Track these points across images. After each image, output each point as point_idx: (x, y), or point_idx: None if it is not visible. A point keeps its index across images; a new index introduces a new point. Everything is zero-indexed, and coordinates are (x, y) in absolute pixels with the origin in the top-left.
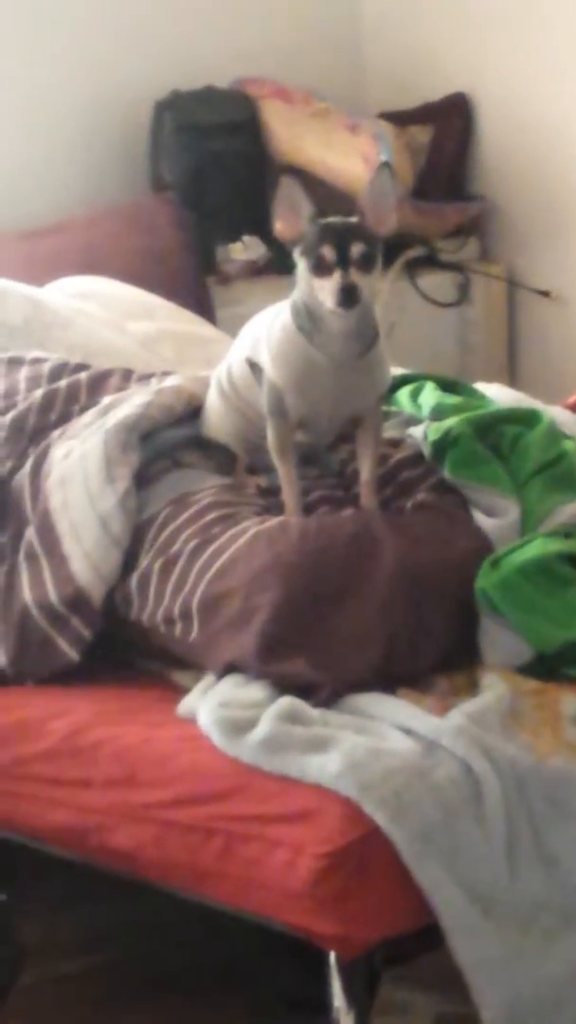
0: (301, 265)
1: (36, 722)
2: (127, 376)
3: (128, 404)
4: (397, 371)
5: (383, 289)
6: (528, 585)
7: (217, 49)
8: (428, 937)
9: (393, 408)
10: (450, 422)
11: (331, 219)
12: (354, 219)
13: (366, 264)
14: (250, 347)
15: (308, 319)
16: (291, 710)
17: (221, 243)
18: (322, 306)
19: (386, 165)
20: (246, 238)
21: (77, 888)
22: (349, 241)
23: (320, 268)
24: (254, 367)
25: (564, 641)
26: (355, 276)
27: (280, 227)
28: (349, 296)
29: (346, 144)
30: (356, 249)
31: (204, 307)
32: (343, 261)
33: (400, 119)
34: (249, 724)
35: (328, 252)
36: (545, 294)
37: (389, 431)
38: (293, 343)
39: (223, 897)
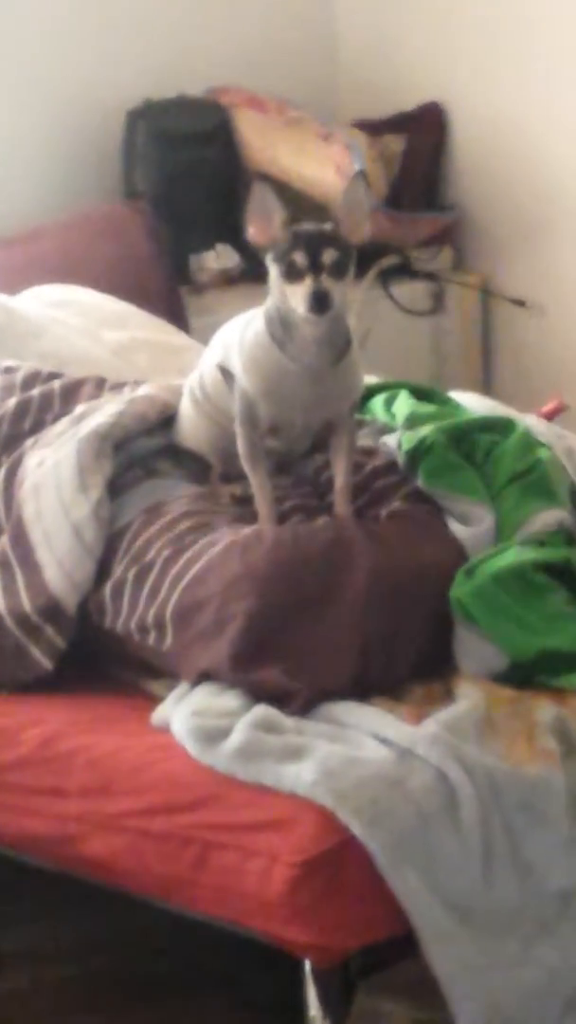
0: (273, 271)
1: (10, 731)
2: (100, 385)
3: (101, 413)
4: (371, 379)
5: (357, 298)
6: (503, 593)
7: (190, 57)
8: (404, 945)
9: (367, 417)
10: (424, 431)
11: (304, 225)
12: (327, 226)
13: (338, 271)
14: (222, 354)
15: (281, 326)
16: (265, 719)
17: (194, 252)
18: (294, 312)
19: (360, 174)
20: (219, 247)
21: (56, 897)
22: (321, 247)
23: (292, 274)
24: (226, 374)
25: (539, 649)
26: (327, 282)
27: (253, 232)
28: (320, 302)
29: (319, 153)
30: (328, 255)
31: (177, 316)
32: (315, 267)
33: (374, 128)
34: (223, 733)
35: (300, 258)
36: (520, 303)
37: (363, 440)
38: (265, 350)
39: (199, 906)
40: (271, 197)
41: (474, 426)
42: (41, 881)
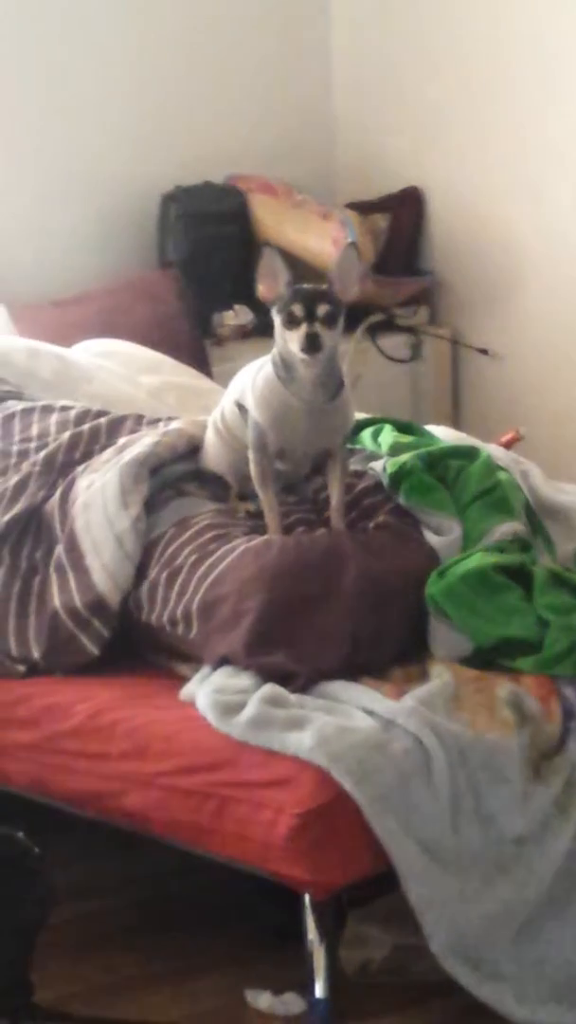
0: (277, 321)
1: (64, 706)
2: (139, 421)
3: (140, 444)
4: (361, 415)
5: (349, 348)
6: (469, 591)
7: (213, 151)
8: (386, 881)
9: (358, 446)
10: (404, 457)
11: (303, 285)
12: (323, 286)
13: (330, 321)
14: (239, 393)
15: (284, 368)
16: (273, 695)
17: (216, 311)
18: (293, 355)
19: (352, 244)
20: (237, 307)
21: (87, 842)
22: (316, 301)
23: (291, 322)
24: (242, 409)
25: (498, 637)
26: (319, 328)
27: (262, 290)
28: (312, 343)
29: (319, 229)
30: (322, 308)
31: (202, 364)
32: (310, 316)
33: (364, 208)
34: (238, 707)
35: (297, 308)
36: (484, 352)
37: (354, 465)
38: (273, 389)
39: (217, 849)
40: (278, 260)
41: (446, 453)
42: (85, 827)
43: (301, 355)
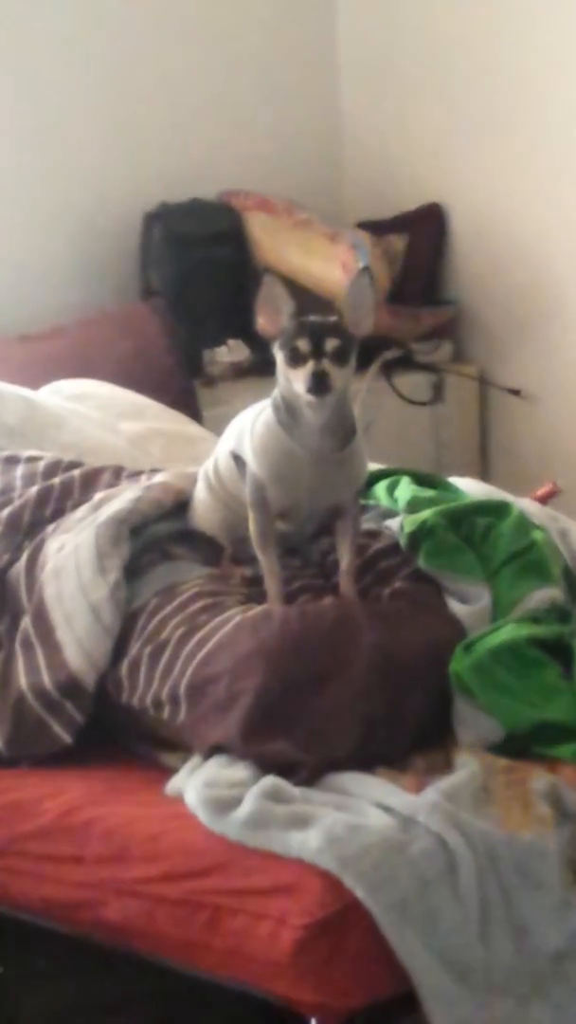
0: (279, 358)
1: (31, 802)
2: (118, 473)
3: (119, 499)
4: (374, 466)
5: (361, 388)
6: (499, 668)
7: (203, 163)
8: (406, 1003)
9: (371, 501)
10: (425, 514)
11: (310, 317)
12: (332, 318)
13: (340, 358)
14: (235, 442)
15: (287, 413)
16: (273, 789)
17: (207, 347)
18: (298, 397)
19: (365, 269)
20: (231, 342)
21: (73, 959)
22: (324, 335)
23: (295, 359)
24: (238, 460)
25: (534, 721)
26: (327, 366)
27: (262, 323)
28: (320, 382)
29: (326, 252)
30: (331, 343)
31: (190, 407)
32: (317, 352)
33: (377, 228)
34: (234, 802)
35: (303, 344)
36: (515, 392)
37: (367, 523)
38: (274, 437)
39: (210, 967)
40: (280, 290)
41: (472, 509)
42: (58, 944)
43: (307, 397)
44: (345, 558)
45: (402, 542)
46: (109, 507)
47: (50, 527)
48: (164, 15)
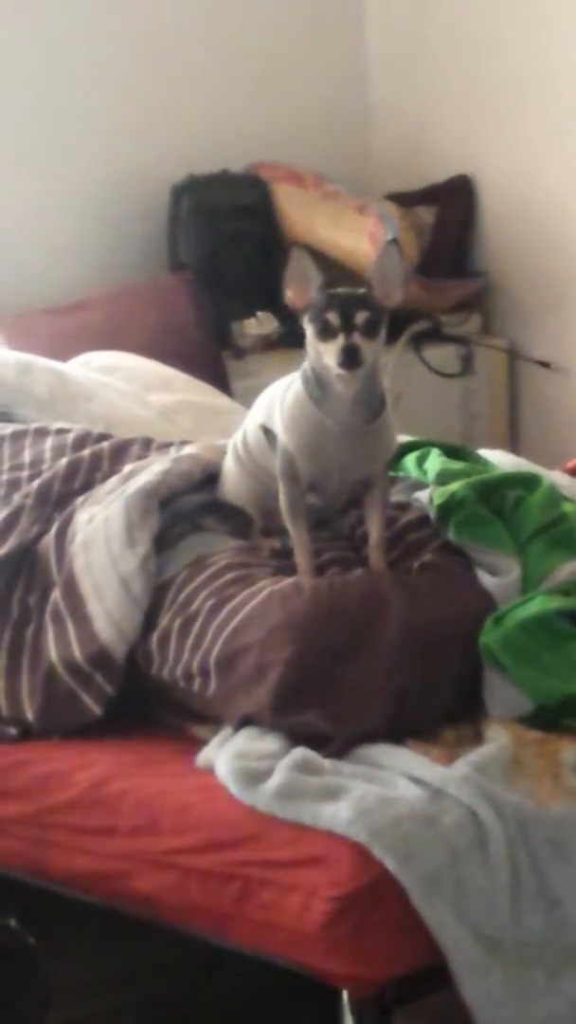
0: (309, 331)
1: (62, 774)
2: (147, 445)
3: (148, 471)
4: (403, 438)
5: (390, 361)
6: (529, 640)
7: (231, 135)
8: (437, 976)
9: (400, 474)
10: (454, 486)
11: (339, 289)
12: (361, 290)
13: (370, 330)
14: (264, 414)
15: (317, 386)
16: (304, 760)
17: (236, 319)
18: (328, 371)
19: (393, 241)
20: (260, 314)
21: (102, 930)
22: (354, 308)
23: (326, 332)
24: (268, 433)
25: (564, 693)
26: (358, 339)
27: (291, 296)
28: (351, 356)
29: (354, 224)
30: (361, 316)
31: (220, 379)
32: (347, 326)
33: (406, 200)
34: (264, 774)
35: (333, 317)
36: (545, 365)
37: (396, 495)
38: (304, 410)
39: (240, 939)
40: (309, 263)
41: (502, 482)
42: (88, 914)
43: (338, 370)
44: (374, 531)
45: (432, 514)
46: (138, 479)
47: (79, 499)
48: None
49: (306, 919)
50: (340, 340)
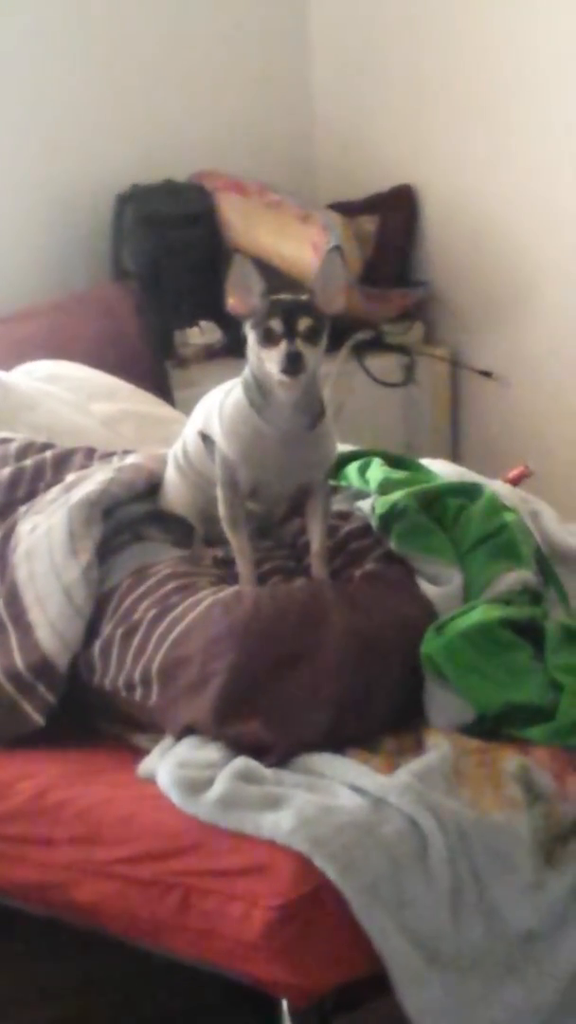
0: (251, 338)
1: (3, 784)
2: (90, 454)
3: (91, 481)
4: (346, 447)
5: (332, 370)
6: (471, 649)
7: (175, 145)
8: (377, 984)
9: (342, 483)
10: (396, 495)
11: (281, 296)
12: (303, 297)
13: (312, 337)
14: (203, 421)
15: (258, 392)
16: (246, 770)
17: (179, 328)
18: (270, 377)
19: (336, 248)
20: (203, 323)
21: (44, 941)
22: (297, 315)
23: (268, 339)
24: (207, 440)
25: (505, 702)
26: (301, 346)
27: (233, 303)
28: (294, 363)
29: (298, 233)
30: (303, 323)
31: (162, 389)
32: (290, 332)
33: (348, 209)
34: (206, 783)
35: (276, 324)
36: (487, 375)
37: (338, 504)
38: (243, 416)
39: (182, 948)
40: (251, 270)
41: (444, 491)
42: (29, 926)
43: (280, 376)
44: (316, 540)
45: (373, 524)
46: (81, 488)
47: (22, 508)
48: None
49: (247, 928)
50: (283, 346)
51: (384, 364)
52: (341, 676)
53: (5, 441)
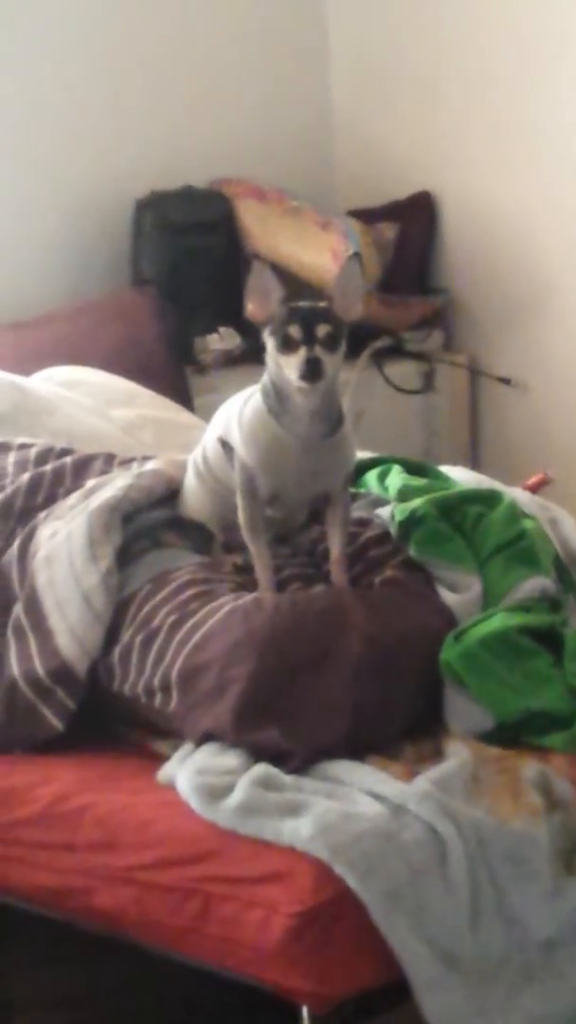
0: (270, 345)
1: (22, 789)
2: (109, 460)
3: (111, 487)
4: (365, 454)
5: (351, 377)
6: (489, 657)
7: (195, 151)
8: (396, 992)
9: (362, 490)
10: (415, 503)
11: (300, 303)
12: (322, 304)
13: (331, 344)
14: (223, 428)
15: (276, 399)
16: (265, 776)
17: (198, 334)
18: (289, 384)
19: (355, 256)
20: (222, 329)
21: (58, 946)
22: (316, 321)
23: (287, 346)
24: (226, 447)
25: (524, 709)
26: (319, 352)
27: (252, 309)
28: (313, 370)
29: (317, 240)
30: (322, 329)
31: (182, 395)
32: (309, 339)
33: (368, 216)
34: (225, 790)
35: (295, 331)
36: (506, 382)
37: (358, 511)
38: (263, 423)
39: (201, 955)
40: (270, 276)
41: (463, 498)
42: (46, 930)
43: (299, 383)
44: (335, 547)
45: (393, 531)
46: (101, 494)
47: (42, 514)
48: (157, 2)
49: (266, 935)
50: (302, 353)
51: (403, 371)
52: (360, 683)
53: (25, 446)
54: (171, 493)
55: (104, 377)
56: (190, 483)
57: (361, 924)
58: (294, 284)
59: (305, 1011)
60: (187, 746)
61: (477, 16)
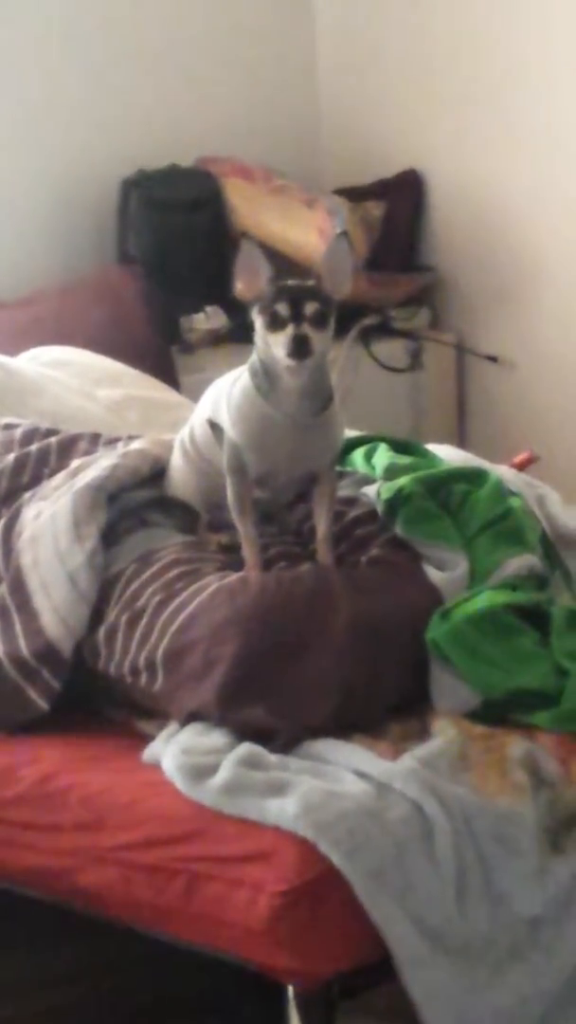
0: (258, 323)
1: (7, 769)
2: (95, 440)
3: (96, 467)
4: (352, 433)
5: (339, 355)
6: (476, 635)
7: (181, 129)
8: (382, 970)
9: (348, 468)
10: (402, 481)
11: (288, 281)
12: (310, 281)
13: (319, 321)
14: (211, 408)
15: (265, 378)
16: (250, 756)
17: (185, 313)
18: (277, 362)
19: (343, 235)
20: (208, 308)
21: (45, 926)
22: (304, 299)
23: (275, 323)
24: (215, 427)
25: (510, 688)
26: (308, 330)
27: (240, 288)
28: (301, 346)
29: (303, 219)
30: (310, 307)
31: (168, 374)
32: (297, 316)
33: (355, 194)
34: (211, 769)
35: (283, 308)
36: (493, 359)
37: (344, 490)
38: (251, 403)
39: (187, 934)
40: (258, 254)
41: (449, 476)
42: (31, 911)
43: (287, 361)
44: (322, 525)
45: (379, 509)
46: (86, 474)
47: (27, 494)
48: None
49: (252, 914)
50: (289, 330)
51: (390, 349)
52: (346, 662)
53: (10, 427)
54: (157, 473)
55: (90, 357)
56: (177, 463)
57: (347, 903)
58: (281, 262)
59: (291, 990)
60: (172, 726)
61: None
